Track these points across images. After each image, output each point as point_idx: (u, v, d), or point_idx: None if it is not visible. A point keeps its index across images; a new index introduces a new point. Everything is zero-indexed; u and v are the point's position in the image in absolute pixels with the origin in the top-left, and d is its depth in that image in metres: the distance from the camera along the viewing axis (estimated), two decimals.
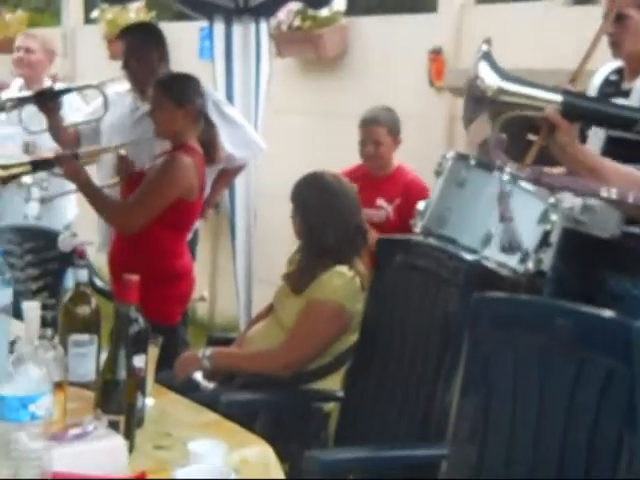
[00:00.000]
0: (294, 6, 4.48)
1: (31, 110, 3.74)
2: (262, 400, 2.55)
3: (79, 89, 3.73)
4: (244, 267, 4.29)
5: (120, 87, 3.68)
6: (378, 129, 3.55)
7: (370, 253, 2.80)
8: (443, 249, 2.22)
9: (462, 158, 2.23)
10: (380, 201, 3.53)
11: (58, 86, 3.80)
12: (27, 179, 4.11)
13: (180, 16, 5.58)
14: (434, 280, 2.38)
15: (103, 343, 2.16)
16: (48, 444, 1.60)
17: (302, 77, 5.00)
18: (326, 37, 4.60)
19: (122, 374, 1.82)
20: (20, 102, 3.61)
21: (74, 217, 4.53)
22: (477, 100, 2.24)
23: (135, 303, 2.00)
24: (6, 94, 3.82)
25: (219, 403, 2.38)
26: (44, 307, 1.97)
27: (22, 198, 4.12)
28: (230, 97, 4.09)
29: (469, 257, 2.18)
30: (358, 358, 2.58)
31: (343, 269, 2.68)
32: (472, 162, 2.21)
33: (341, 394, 2.61)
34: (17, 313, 2.29)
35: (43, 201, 4.23)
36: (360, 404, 2.51)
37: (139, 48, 3.47)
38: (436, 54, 4.09)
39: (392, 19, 4.66)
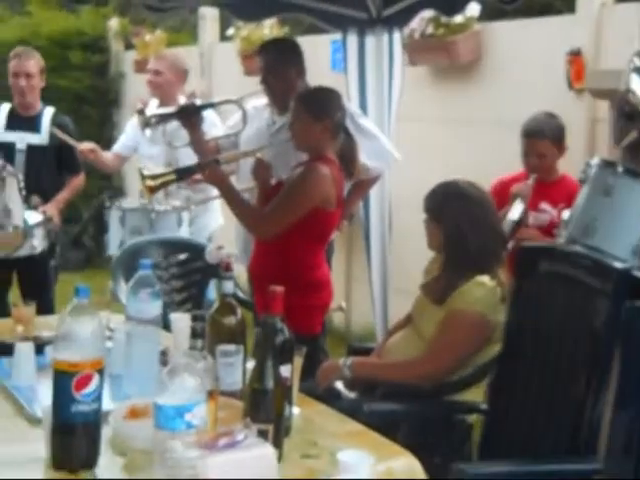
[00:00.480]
0: (427, 14, 4.47)
1: (172, 127, 3.89)
2: (404, 411, 2.53)
3: (219, 104, 3.82)
4: (379, 276, 4.29)
5: (258, 101, 3.76)
6: (541, 142, 3.45)
7: (511, 254, 2.74)
8: (591, 257, 2.16)
9: (608, 165, 2.17)
10: (544, 205, 3.46)
11: (198, 102, 3.91)
12: (177, 202, 4.28)
13: (311, 30, 5.66)
14: (581, 289, 2.31)
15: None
16: (201, 453, 1.65)
17: (435, 85, 4.98)
18: (460, 43, 4.57)
19: (270, 384, 1.85)
20: (163, 118, 3.74)
21: (217, 228, 4.66)
22: (628, 115, 2.17)
23: (280, 314, 2.03)
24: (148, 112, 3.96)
25: (361, 412, 2.38)
26: (194, 318, 2.03)
27: (175, 223, 4.29)
28: (363, 108, 4.11)
29: (619, 265, 2.10)
30: (501, 369, 2.53)
31: (484, 279, 2.64)
32: (619, 169, 2.14)
33: (484, 406, 2.57)
34: (163, 324, 2.39)
35: (192, 222, 4.39)
36: (504, 416, 2.47)
37: (277, 63, 3.53)
38: (575, 55, 3.99)
39: (527, 22, 4.57)
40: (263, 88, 3.59)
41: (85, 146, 4.45)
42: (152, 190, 3.29)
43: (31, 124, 4.34)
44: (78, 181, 4.51)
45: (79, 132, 4.60)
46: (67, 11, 8.44)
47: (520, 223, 3.27)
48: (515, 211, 3.29)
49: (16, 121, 4.33)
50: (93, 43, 8.52)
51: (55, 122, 4.38)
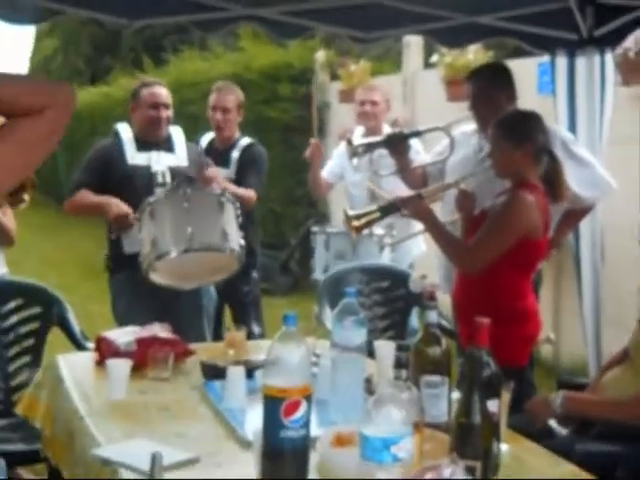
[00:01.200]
0: None
1: (376, 155, 3.91)
2: (622, 452, 2.37)
3: (426, 132, 3.79)
4: (592, 308, 4.09)
5: (466, 127, 3.71)
6: None
7: None
8: None
9: None
10: None
11: (405, 130, 3.91)
12: (380, 230, 4.31)
13: (516, 53, 5.54)
14: None
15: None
16: None
17: None
18: None
19: (477, 418, 1.80)
20: (370, 147, 3.77)
21: (419, 254, 4.64)
22: None
23: (486, 346, 1.98)
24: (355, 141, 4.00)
25: (573, 452, 2.26)
26: (398, 348, 2.01)
27: (376, 248, 4.32)
28: (573, 131, 3.96)
29: None
30: None
31: None
32: None
33: None
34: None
35: (393, 248, 4.39)
36: None
37: (487, 89, 3.45)
38: None
39: None
40: (472, 114, 3.54)
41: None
42: (358, 230, 3.31)
43: (222, 158, 4.32)
44: (249, 193, 4.19)
45: (279, 162, 4.68)
46: (277, 45, 8.77)
47: None
48: None
49: (211, 154, 4.31)
50: (300, 75, 8.80)
51: (243, 155, 4.33)
